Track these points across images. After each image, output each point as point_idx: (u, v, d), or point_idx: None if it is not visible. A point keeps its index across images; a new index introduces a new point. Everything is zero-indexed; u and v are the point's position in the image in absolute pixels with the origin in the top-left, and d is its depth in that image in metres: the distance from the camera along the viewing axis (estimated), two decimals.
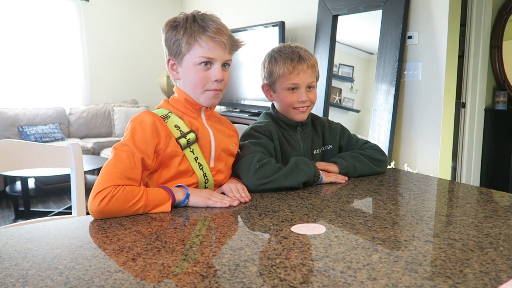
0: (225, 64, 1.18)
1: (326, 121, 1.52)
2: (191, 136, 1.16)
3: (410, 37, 2.65)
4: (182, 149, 1.14)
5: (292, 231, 0.91)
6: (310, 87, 1.39)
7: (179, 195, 1.07)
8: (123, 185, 1.02)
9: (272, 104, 1.47)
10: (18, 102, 4.73)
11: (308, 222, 0.97)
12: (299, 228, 0.93)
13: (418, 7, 2.61)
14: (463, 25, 2.84)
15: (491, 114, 3.28)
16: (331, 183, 1.31)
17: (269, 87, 1.42)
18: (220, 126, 1.28)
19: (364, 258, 0.77)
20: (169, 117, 1.16)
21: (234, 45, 1.18)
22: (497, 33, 3.37)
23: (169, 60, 1.19)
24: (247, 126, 1.43)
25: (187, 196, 1.08)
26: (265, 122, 1.40)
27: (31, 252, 0.81)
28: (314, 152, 1.46)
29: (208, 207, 1.08)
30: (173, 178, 1.15)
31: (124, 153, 1.06)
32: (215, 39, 1.13)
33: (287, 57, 1.36)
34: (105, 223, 0.99)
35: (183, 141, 1.14)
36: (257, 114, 3.71)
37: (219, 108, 4.49)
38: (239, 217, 1.02)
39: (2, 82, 4.65)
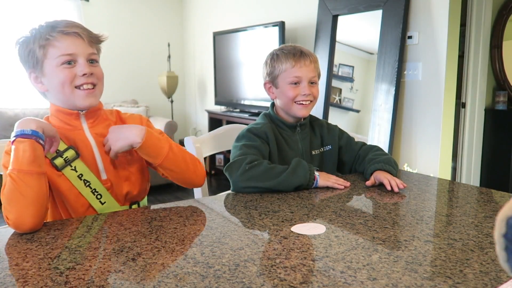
0: (92, 60, 1.09)
1: (325, 122, 1.53)
2: (70, 153, 1.06)
3: (410, 37, 2.65)
4: (59, 170, 1.05)
5: (292, 231, 0.91)
6: (313, 83, 1.40)
7: None
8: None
9: (271, 104, 1.47)
10: (18, 102, 4.73)
11: (308, 222, 0.97)
12: (299, 228, 0.93)
13: (418, 7, 2.61)
14: (463, 25, 2.83)
15: (491, 114, 3.27)
16: (328, 188, 1.28)
17: (272, 83, 1.42)
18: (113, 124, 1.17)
19: (364, 258, 0.77)
20: None
21: (93, 37, 1.09)
22: (497, 33, 3.37)
23: (30, 73, 1.09)
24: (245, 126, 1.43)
25: None
26: (262, 124, 1.40)
27: (31, 252, 0.81)
28: (313, 152, 1.46)
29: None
30: (65, 202, 1.08)
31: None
32: (67, 32, 1.05)
33: (289, 52, 1.39)
34: (105, 223, 0.99)
35: (59, 161, 1.05)
36: (257, 114, 3.70)
37: (220, 108, 4.49)
38: (239, 217, 1.02)
39: (2, 82, 4.65)
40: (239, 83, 4.09)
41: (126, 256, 0.79)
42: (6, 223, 0.94)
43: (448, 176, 2.64)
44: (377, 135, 2.74)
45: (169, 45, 5.11)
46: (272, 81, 1.42)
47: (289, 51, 1.39)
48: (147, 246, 0.84)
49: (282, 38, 3.42)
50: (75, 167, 1.07)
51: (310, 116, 1.49)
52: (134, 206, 1.18)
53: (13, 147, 0.96)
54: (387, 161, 1.35)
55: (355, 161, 1.47)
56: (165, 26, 5.36)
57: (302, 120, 1.43)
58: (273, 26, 3.52)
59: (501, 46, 3.40)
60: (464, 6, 2.84)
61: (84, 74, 1.06)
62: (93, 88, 1.09)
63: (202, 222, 0.99)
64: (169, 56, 5.13)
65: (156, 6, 5.32)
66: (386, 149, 2.65)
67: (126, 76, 5.26)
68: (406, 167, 2.69)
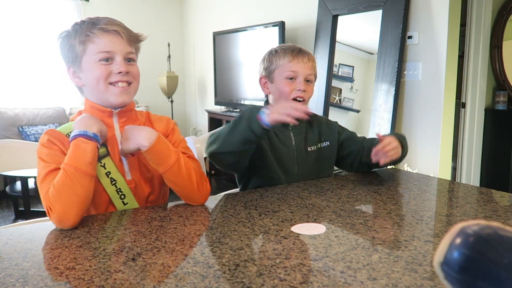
0: (129, 59, 1.11)
1: (324, 119, 1.52)
2: (101, 150, 1.07)
3: (410, 37, 2.65)
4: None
5: (292, 231, 0.91)
6: (308, 81, 1.38)
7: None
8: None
9: (265, 101, 1.47)
10: (18, 102, 4.72)
11: (308, 222, 0.97)
12: (299, 228, 0.93)
13: (418, 7, 2.61)
14: (463, 25, 2.83)
15: (491, 114, 3.27)
16: (328, 188, 1.28)
17: (267, 78, 1.42)
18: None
19: (364, 258, 0.77)
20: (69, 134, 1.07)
21: (133, 36, 1.11)
22: (497, 33, 3.37)
23: (68, 68, 1.11)
24: None
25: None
26: None
27: (31, 252, 0.81)
28: (309, 149, 1.43)
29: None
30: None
31: (40, 174, 1.00)
32: (107, 30, 1.06)
33: (287, 48, 1.39)
34: (105, 223, 0.99)
35: None
36: None
37: (220, 108, 4.49)
38: (239, 217, 1.02)
39: (2, 82, 4.65)
40: (239, 83, 4.09)
41: (126, 256, 0.79)
42: (5, 223, 0.94)
43: (448, 176, 2.64)
44: None
45: (169, 45, 5.11)
46: (268, 75, 1.41)
47: (288, 47, 1.39)
48: (147, 246, 0.84)
49: (282, 38, 3.42)
50: (104, 164, 1.08)
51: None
52: None
53: (72, 143, 0.98)
54: (398, 136, 1.38)
55: (359, 152, 1.44)
56: (165, 26, 5.36)
57: None
58: (273, 26, 3.52)
59: (501, 46, 3.40)
60: (464, 6, 2.84)
61: (119, 72, 1.07)
62: (128, 86, 1.10)
63: (202, 222, 0.99)
64: (169, 56, 5.13)
65: (156, 6, 5.32)
66: None
67: None
68: (406, 167, 2.69)
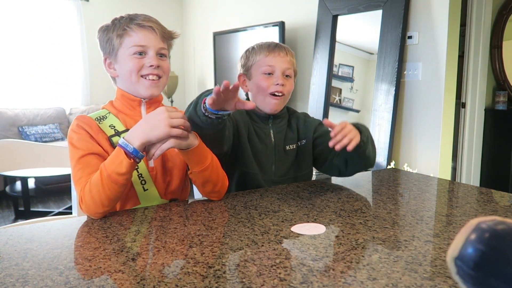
0: (161, 55, 1.17)
1: (303, 115, 1.45)
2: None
3: (410, 37, 2.65)
4: (114, 147, 1.08)
5: (292, 231, 0.91)
6: (287, 76, 1.35)
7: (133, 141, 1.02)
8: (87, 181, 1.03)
9: (246, 99, 1.42)
10: (18, 102, 4.72)
11: (308, 222, 0.97)
12: (299, 228, 0.93)
13: (418, 7, 2.61)
14: (463, 25, 2.83)
15: (491, 114, 3.27)
16: (328, 188, 1.26)
17: (245, 76, 1.39)
18: None
19: (364, 258, 0.77)
20: (106, 117, 1.15)
21: (166, 33, 1.19)
22: (497, 33, 3.37)
23: (105, 59, 1.19)
24: None
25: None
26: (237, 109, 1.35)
27: (31, 252, 0.81)
28: (287, 148, 1.38)
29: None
30: None
31: (73, 159, 1.07)
32: (143, 25, 1.15)
33: (264, 44, 1.38)
34: (105, 223, 0.99)
35: (116, 139, 1.11)
36: None
37: None
38: (239, 217, 1.02)
39: (2, 82, 4.65)
40: None
41: (126, 256, 0.79)
42: (5, 223, 0.94)
43: (448, 176, 2.64)
44: (377, 135, 2.74)
45: None
46: (245, 72, 1.38)
47: (265, 43, 1.38)
48: (147, 246, 0.84)
49: (282, 38, 3.42)
50: None
51: (288, 108, 1.43)
52: None
53: (117, 148, 1.01)
54: (354, 123, 1.22)
55: (332, 152, 1.33)
56: (165, 26, 5.35)
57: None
58: (273, 26, 3.52)
59: (501, 46, 3.40)
60: (464, 6, 2.84)
61: (151, 66, 1.14)
62: (157, 80, 1.16)
63: (202, 222, 0.99)
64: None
65: (156, 6, 5.32)
66: (386, 149, 2.65)
67: None
68: (406, 167, 2.69)
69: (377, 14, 2.79)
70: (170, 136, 1.00)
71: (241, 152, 1.32)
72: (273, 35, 3.51)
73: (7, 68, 4.65)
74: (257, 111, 1.37)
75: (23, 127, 4.54)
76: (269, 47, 1.36)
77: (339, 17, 3.09)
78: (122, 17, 1.17)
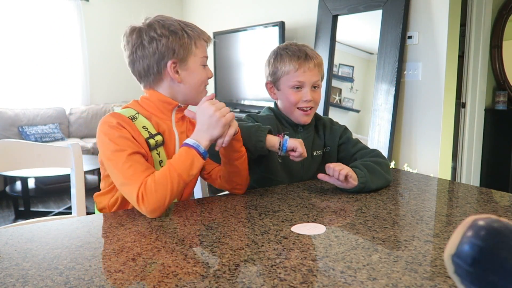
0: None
1: (329, 122, 1.48)
2: (159, 138, 1.14)
3: (410, 37, 2.65)
4: (150, 150, 1.12)
5: (292, 231, 0.91)
6: (315, 87, 1.35)
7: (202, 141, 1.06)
8: (147, 176, 1.02)
9: (275, 104, 1.44)
10: (18, 102, 4.72)
11: (308, 222, 0.97)
12: (299, 228, 0.93)
13: (418, 7, 2.61)
14: (463, 25, 2.83)
15: (491, 114, 3.27)
16: (328, 188, 1.26)
17: (273, 84, 1.38)
18: (191, 128, 1.23)
19: (364, 258, 0.77)
20: (136, 118, 1.14)
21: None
22: (497, 33, 3.37)
23: (172, 62, 1.13)
24: None
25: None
26: (266, 115, 1.38)
27: (31, 252, 0.81)
28: (314, 153, 1.42)
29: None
30: None
31: (120, 157, 1.04)
32: (206, 41, 1.20)
33: (293, 54, 1.33)
34: (105, 223, 0.99)
35: (152, 141, 1.12)
36: None
37: None
38: (239, 217, 1.02)
39: (2, 82, 4.65)
40: (239, 83, 4.09)
41: (126, 256, 0.79)
42: (5, 223, 0.94)
43: (448, 176, 2.64)
44: (377, 135, 2.74)
45: None
46: (274, 82, 1.38)
47: (294, 52, 1.33)
48: (147, 246, 0.84)
49: (282, 38, 3.42)
50: (159, 152, 1.15)
51: (315, 114, 1.45)
52: None
53: (186, 149, 1.04)
54: (366, 165, 1.26)
55: (351, 160, 1.38)
56: None
57: None
58: (273, 26, 3.52)
59: (501, 46, 3.40)
60: (464, 6, 2.84)
61: (208, 78, 1.20)
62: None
63: (202, 222, 0.99)
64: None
65: (156, 6, 5.31)
66: (386, 149, 2.65)
67: (126, 76, 5.24)
68: (406, 167, 2.69)
69: (377, 14, 2.79)
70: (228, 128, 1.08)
71: (268, 158, 1.33)
72: (273, 35, 3.51)
73: (7, 68, 4.65)
74: (288, 118, 1.40)
75: (23, 127, 4.54)
76: (299, 59, 1.32)
77: (339, 17, 3.09)
78: (194, 26, 1.19)
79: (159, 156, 1.14)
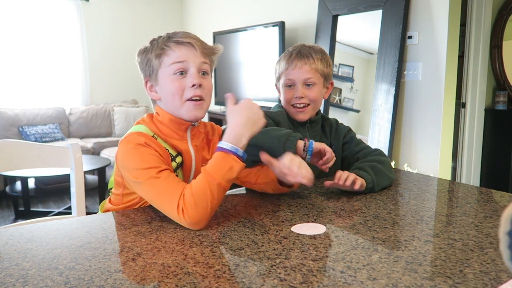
0: (204, 72, 1.10)
1: (335, 122, 1.50)
2: (179, 159, 1.11)
3: (410, 37, 2.65)
4: (175, 171, 1.09)
5: (292, 231, 0.91)
6: (309, 84, 1.36)
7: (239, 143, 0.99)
8: (183, 189, 0.97)
9: (279, 101, 1.49)
10: (18, 102, 4.73)
11: (308, 222, 0.97)
12: (299, 228, 0.93)
13: (418, 7, 2.61)
14: (463, 25, 2.84)
15: (491, 114, 3.27)
16: (327, 188, 1.25)
17: (277, 85, 1.45)
18: (204, 141, 1.21)
19: (364, 258, 0.77)
20: (155, 138, 1.08)
21: (207, 48, 1.11)
22: (497, 33, 3.37)
23: (146, 82, 1.13)
24: None
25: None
26: (277, 111, 1.40)
27: (31, 252, 0.81)
28: None
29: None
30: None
31: (151, 173, 0.99)
32: (182, 42, 1.08)
33: (288, 53, 1.38)
34: (105, 223, 0.99)
35: (174, 164, 1.09)
36: None
37: (220, 108, 4.49)
38: (239, 217, 1.02)
39: (2, 82, 4.65)
40: (239, 83, 4.09)
41: (126, 256, 0.79)
42: (5, 223, 0.94)
43: (448, 176, 2.64)
44: (377, 135, 2.74)
45: None
46: (276, 83, 1.45)
47: (289, 52, 1.38)
48: (147, 246, 0.84)
49: (282, 38, 3.42)
50: (178, 173, 1.11)
51: (322, 115, 1.48)
52: None
53: (221, 154, 0.98)
54: (372, 167, 1.26)
55: (351, 164, 1.37)
56: (165, 26, 5.36)
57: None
58: (273, 26, 3.52)
59: (501, 46, 3.40)
60: (464, 6, 2.84)
61: (193, 85, 1.07)
62: (200, 101, 1.09)
63: None
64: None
65: (156, 6, 5.32)
66: (386, 149, 2.65)
67: (126, 76, 5.26)
68: (406, 167, 2.69)
69: (377, 14, 2.79)
70: None
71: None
72: (273, 35, 3.51)
73: (7, 68, 4.65)
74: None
75: (23, 127, 4.54)
76: (290, 58, 1.35)
77: (339, 17, 3.09)
78: (160, 37, 1.11)
79: (178, 177, 1.09)
